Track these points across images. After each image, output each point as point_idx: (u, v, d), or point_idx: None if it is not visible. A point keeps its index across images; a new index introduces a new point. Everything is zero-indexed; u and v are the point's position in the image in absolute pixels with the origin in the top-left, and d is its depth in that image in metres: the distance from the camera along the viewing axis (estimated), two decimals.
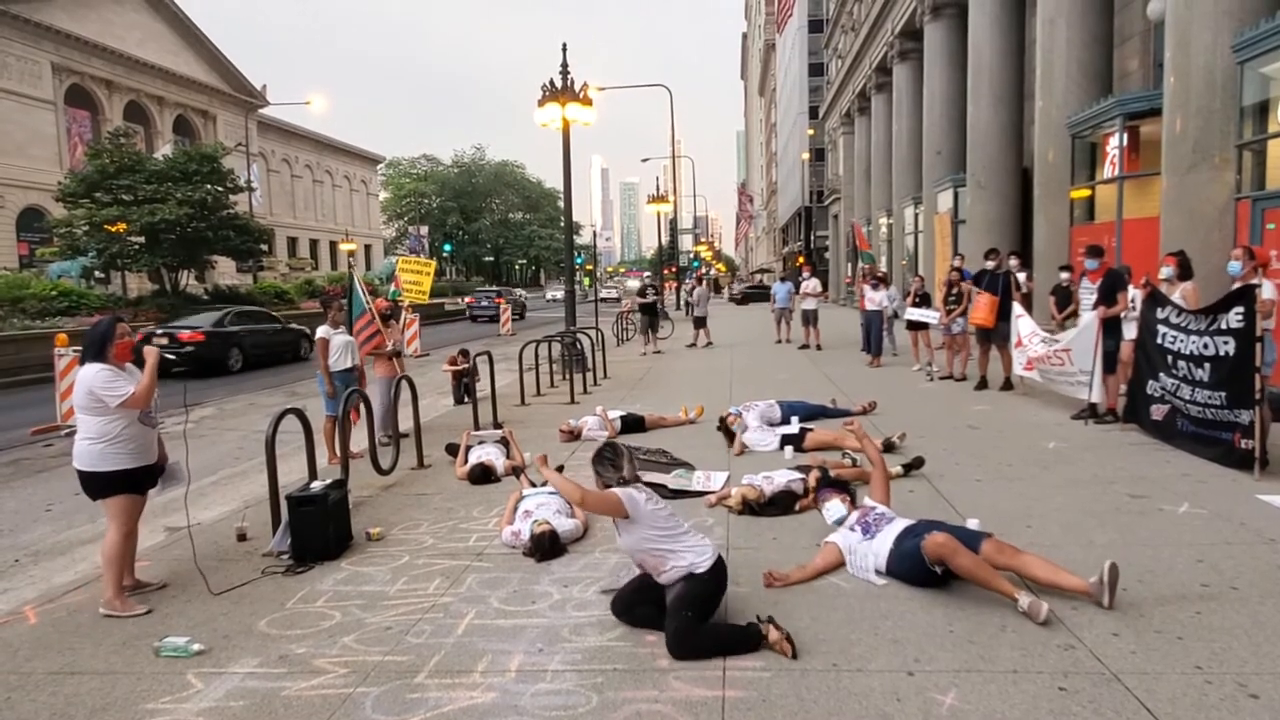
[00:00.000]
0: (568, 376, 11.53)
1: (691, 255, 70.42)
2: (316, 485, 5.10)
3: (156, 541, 5.65)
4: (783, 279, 20.99)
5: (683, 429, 8.68)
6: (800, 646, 3.48)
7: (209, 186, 26.14)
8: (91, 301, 22.55)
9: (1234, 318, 5.94)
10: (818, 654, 3.44)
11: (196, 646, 3.74)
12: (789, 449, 7.21)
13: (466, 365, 11.15)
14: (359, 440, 7.33)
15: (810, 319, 16.72)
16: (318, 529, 4.90)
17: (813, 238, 54.56)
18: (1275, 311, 6.10)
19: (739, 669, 3.34)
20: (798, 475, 5.77)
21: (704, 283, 21.72)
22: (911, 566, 4.02)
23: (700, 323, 18.88)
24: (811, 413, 8.43)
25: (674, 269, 44.27)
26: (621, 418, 8.65)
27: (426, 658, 3.57)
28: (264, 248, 30.92)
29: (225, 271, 39.29)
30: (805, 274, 18.21)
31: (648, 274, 39.56)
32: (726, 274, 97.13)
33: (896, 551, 4.12)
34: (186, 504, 4.96)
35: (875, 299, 13.67)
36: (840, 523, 4.70)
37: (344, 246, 53.98)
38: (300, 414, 5.45)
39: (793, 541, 4.88)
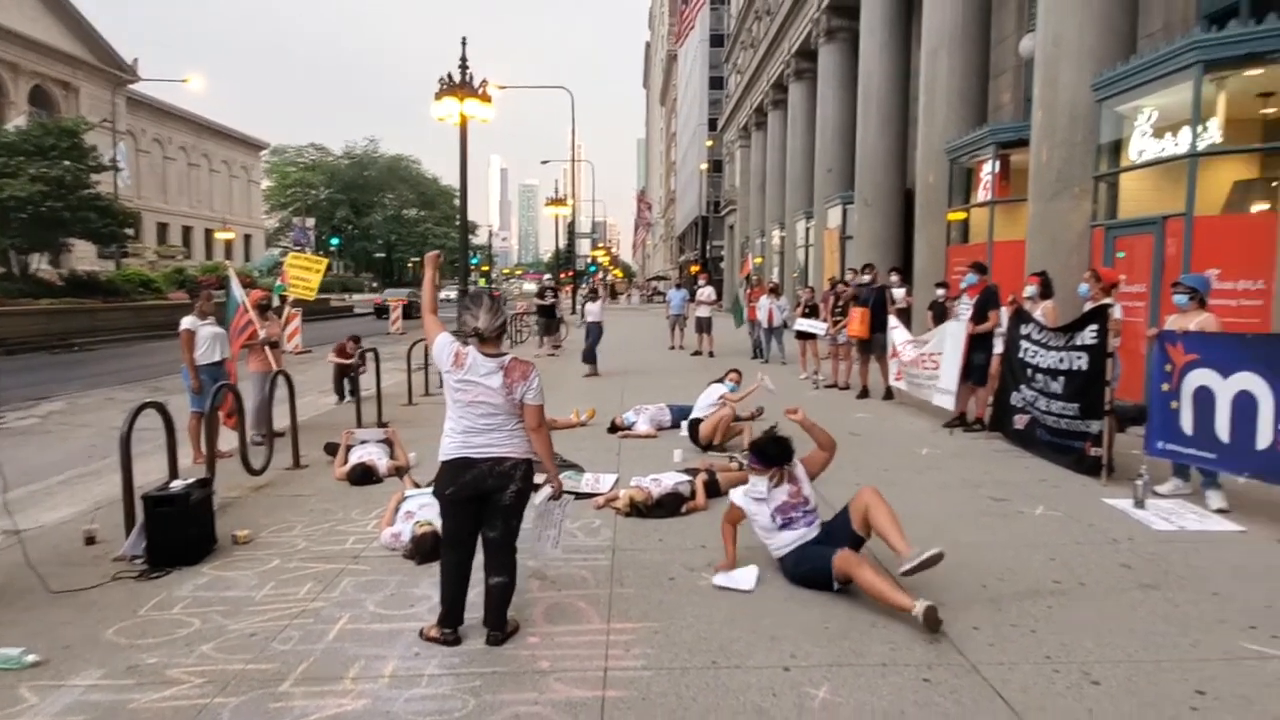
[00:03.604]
0: None
1: (589, 260, 70.46)
2: (177, 484, 4.76)
3: None
4: (678, 286, 21.27)
5: (574, 431, 8.64)
6: (683, 645, 3.52)
7: (67, 163, 24.21)
8: None
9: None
10: (699, 652, 3.47)
11: (31, 657, 3.42)
12: (679, 452, 7.29)
13: (352, 360, 10.70)
14: (230, 439, 6.90)
15: (704, 326, 17.03)
16: (177, 531, 4.57)
17: (709, 247, 55.67)
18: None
19: (620, 669, 3.32)
20: (685, 478, 5.84)
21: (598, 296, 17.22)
22: (812, 572, 4.06)
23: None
24: (690, 426, 8.54)
25: (571, 273, 44.14)
26: None
27: (293, 665, 3.38)
28: (129, 232, 28.85)
29: (84, 256, 36.37)
30: (700, 282, 18.53)
31: (548, 276, 39.27)
32: (623, 280, 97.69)
33: (799, 553, 4.16)
34: (5, 503, 4.52)
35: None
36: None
37: (220, 235, 51.09)
38: (161, 408, 5.09)
39: (678, 543, 4.92)
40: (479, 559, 3.70)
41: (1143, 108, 8.84)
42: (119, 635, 3.69)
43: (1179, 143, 8.23)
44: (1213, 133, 7.96)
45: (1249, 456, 5.18)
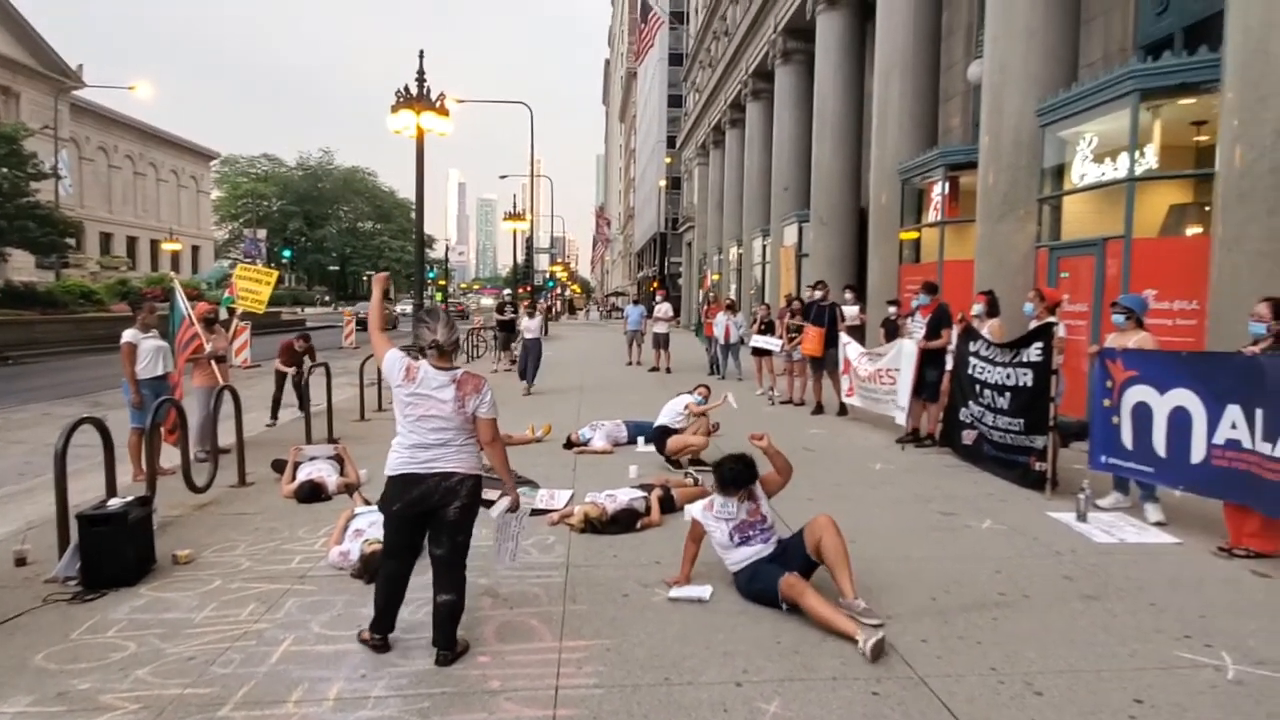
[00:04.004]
0: None
1: (548, 275, 70.27)
2: (115, 503, 4.61)
3: None
4: (635, 303, 21.31)
5: (530, 447, 8.58)
6: (636, 662, 3.50)
7: (5, 170, 23.44)
8: None
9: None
10: (651, 669, 3.45)
11: None
12: (634, 468, 7.28)
13: (295, 370, 10.34)
14: (173, 456, 6.70)
15: (661, 342, 17.07)
16: (114, 551, 4.42)
17: (667, 263, 55.91)
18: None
19: (572, 687, 3.29)
20: (640, 494, 5.83)
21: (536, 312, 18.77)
22: (760, 592, 4.10)
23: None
24: (657, 433, 8.56)
25: (529, 288, 43.91)
26: None
27: (234, 689, 3.28)
28: (70, 242, 27.96)
29: (22, 267, 35.01)
30: (658, 298, 18.62)
31: (507, 292, 38.98)
32: (581, 295, 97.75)
33: (752, 570, 4.20)
34: None
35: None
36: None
37: (167, 246, 49.76)
38: (99, 424, 4.91)
39: (633, 559, 4.90)
40: (427, 578, 3.64)
41: (1084, 133, 9.16)
42: (49, 660, 3.55)
43: (1118, 167, 8.54)
44: (1149, 158, 8.28)
45: (1184, 470, 5.36)
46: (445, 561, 3.58)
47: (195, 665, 3.50)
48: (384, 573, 3.65)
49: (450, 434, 3.54)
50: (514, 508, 3.80)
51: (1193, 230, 8.28)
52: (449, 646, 3.55)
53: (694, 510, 4.46)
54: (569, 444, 8.46)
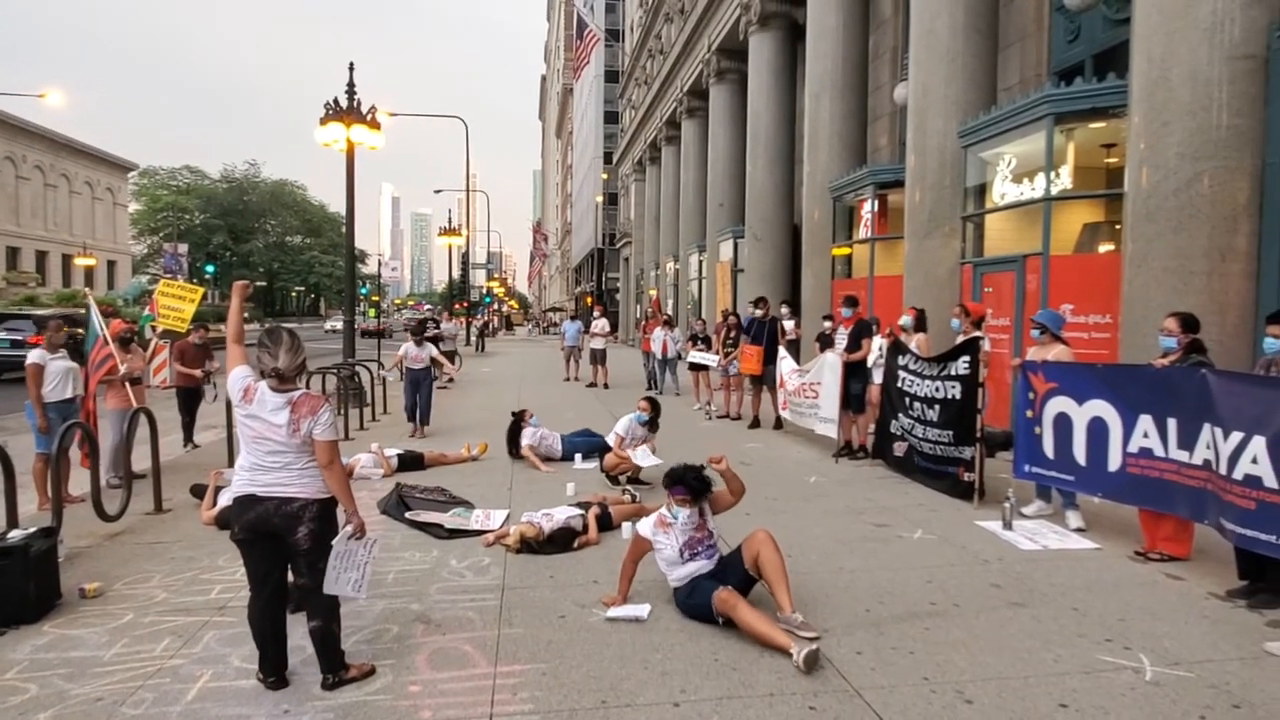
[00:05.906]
0: (343, 411, 10.79)
1: (484, 290, 69.59)
2: (15, 534, 4.32)
3: None
4: (573, 318, 21.23)
5: (465, 466, 8.42)
6: (573, 686, 3.44)
7: None
8: None
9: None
10: (588, 692, 3.39)
11: None
12: (571, 486, 7.21)
13: (198, 374, 9.74)
14: (82, 482, 6.34)
15: (598, 358, 17.04)
16: (13, 587, 4.14)
17: (604, 279, 55.95)
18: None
19: (506, 714, 3.21)
20: (577, 512, 5.77)
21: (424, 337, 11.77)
22: (697, 607, 4.11)
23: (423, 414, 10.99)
24: (594, 448, 8.51)
25: (465, 304, 43.40)
26: (399, 455, 8.22)
27: None
28: None
29: None
30: (595, 314, 18.60)
31: (428, 306, 38.42)
32: (519, 311, 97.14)
33: (691, 585, 4.19)
34: None
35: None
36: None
37: (80, 261, 47.53)
38: None
39: (570, 579, 4.84)
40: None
41: (1003, 155, 9.53)
42: None
43: (1035, 187, 8.90)
44: (1064, 179, 8.66)
45: (1102, 478, 5.57)
46: (307, 590, 3.49)
47: (103, 707, 3.29)
48: (251, 608, 3.51)
49: (289, 457, 3.39)
50: (359, 535, 3.56)
51: (1105, 247, 8.67)
52: (332, 670, 3.47)
53: (643, 528, 4.40)
54: (515, 421, 8.60)
